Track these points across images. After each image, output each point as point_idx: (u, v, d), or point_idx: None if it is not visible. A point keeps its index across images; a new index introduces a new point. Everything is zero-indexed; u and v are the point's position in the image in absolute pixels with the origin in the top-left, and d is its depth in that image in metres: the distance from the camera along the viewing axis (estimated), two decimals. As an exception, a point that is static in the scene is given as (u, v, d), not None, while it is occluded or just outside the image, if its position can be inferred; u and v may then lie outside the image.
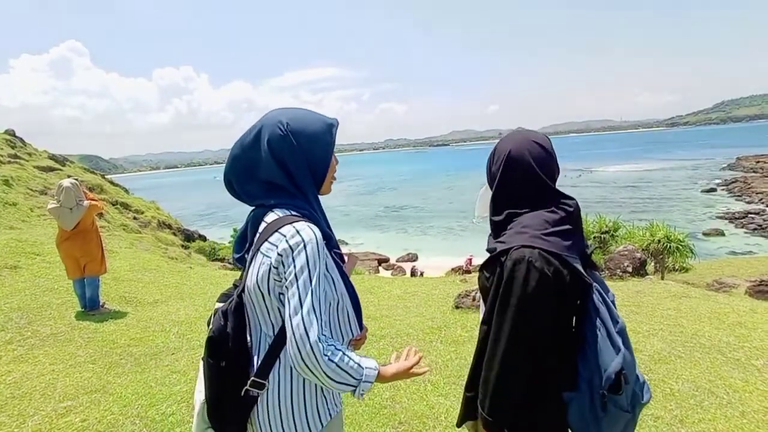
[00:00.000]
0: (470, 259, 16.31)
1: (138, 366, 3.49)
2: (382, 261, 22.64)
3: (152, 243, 11.15)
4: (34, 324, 4.29)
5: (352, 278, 1.30)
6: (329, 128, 1.14)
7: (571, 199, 1.23)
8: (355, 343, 1.22)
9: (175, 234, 13.51)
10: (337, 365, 0.99)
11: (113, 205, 12.65)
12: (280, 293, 1.02)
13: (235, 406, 1.06)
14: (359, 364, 1.04)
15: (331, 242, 1.11)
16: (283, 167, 1.08)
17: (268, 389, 1.05)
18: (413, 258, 22.84)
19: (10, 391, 3.02)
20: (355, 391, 1.03)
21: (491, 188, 1.31)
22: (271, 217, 1.07)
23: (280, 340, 1.04)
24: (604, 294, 1.15)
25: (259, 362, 1.06)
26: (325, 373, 0.98)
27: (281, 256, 1.00)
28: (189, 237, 14.25)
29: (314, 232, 1.02)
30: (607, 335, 1.10)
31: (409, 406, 2.81)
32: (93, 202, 4.70)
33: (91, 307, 4.74)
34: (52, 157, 14.98)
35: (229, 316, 1.09)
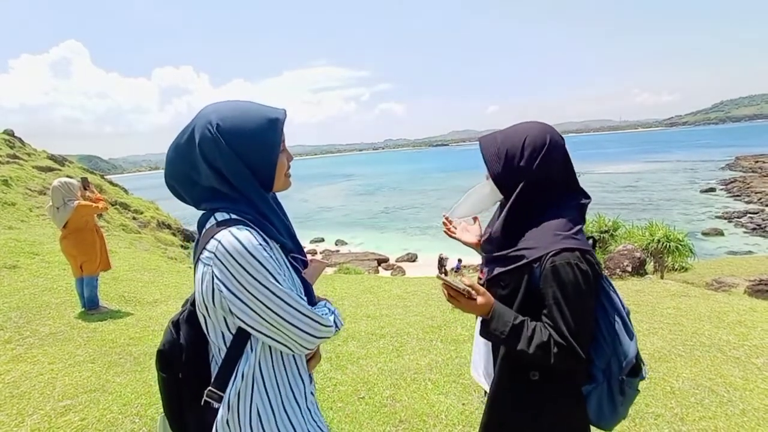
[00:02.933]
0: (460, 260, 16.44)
1: (137, 365, 3.48)
2: (382, 261, 22.62)
3: (152, 243, 11.14)
4: (32, 323, 4.28)
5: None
6: (271, 124, 0.99)
7: (587, 196, 1.20)
8: (309, 360, 1.13)
9: (174, 234, 13.48)
10: (333, 318, 1.04)
11: (113, 205, 12.63)
12: (226, 302, 0.93)
13: (196, 417, 1.00)
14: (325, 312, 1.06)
15: (285, 247, 1.03)
16: (218, 172, 0.96)
17: (232, 402, 0.97)
18: (413, 258, 22.83)
19: (9, 390, 3.01)
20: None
21: (515, 186, 1.17)
22: (210, 222, 0.98)
23: (234, 350, 0.97)
24: (611, 282, 1.17)
25: (216, 373, 0.99)
26: (327, 329, 1.01)
27: (220, 262, 0.91)
28: (188, 237, 14.21)
29: (240, 240, 0.91)
30: (622, 322, 1.14)
31: (409, 404, 2.81)
32: (83, 202, 4.61)
33: (90, 306, 4.73)
34: (51, 157, 14.96)
35: (181, 326, 1.02)
